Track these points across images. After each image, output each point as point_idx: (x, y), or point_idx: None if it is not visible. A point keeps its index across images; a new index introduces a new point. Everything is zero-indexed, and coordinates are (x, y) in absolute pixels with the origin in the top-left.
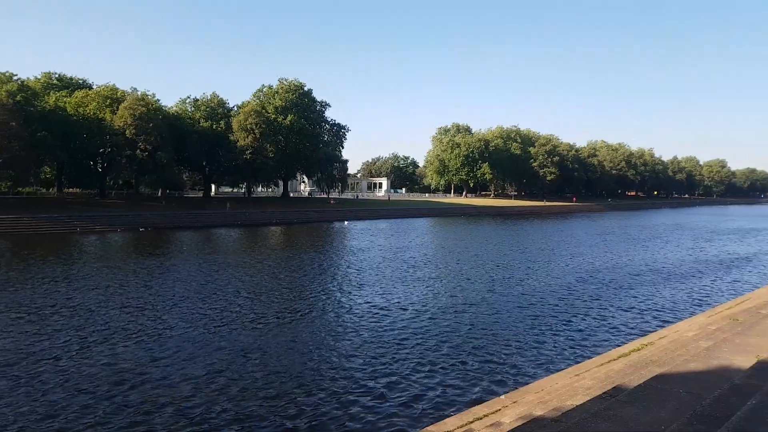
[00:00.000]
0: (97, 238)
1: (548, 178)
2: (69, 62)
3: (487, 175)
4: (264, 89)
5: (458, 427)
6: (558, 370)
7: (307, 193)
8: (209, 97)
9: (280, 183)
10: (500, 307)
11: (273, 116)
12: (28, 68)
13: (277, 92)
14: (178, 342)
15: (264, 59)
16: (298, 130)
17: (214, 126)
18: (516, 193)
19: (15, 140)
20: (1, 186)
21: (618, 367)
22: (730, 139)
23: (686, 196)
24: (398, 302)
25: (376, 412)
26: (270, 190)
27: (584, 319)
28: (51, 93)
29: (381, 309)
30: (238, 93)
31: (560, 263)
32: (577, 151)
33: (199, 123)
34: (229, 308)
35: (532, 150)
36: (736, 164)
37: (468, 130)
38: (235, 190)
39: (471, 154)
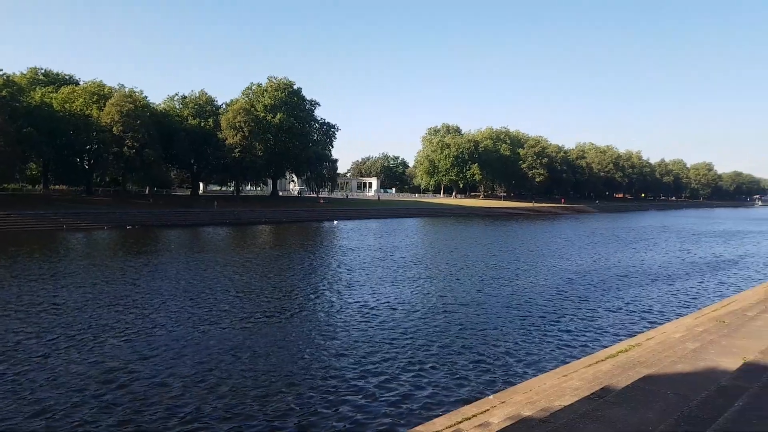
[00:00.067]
0: (84, 236)
1: (537, 179)
2: (54, 58)
3: (476, 176)
4: (253, 87)
5: (447, 427)
6: (546, 371)
7: (296, 193)
8: (197, 95)
9: (269, 182)
10: (489, 308)
11: (262, 114)
12: (14, 63)
13: (266, 90)
14: (167, 341)
15: (251, 58)
16: (288, 129)
17: (203, 124)
18: (505, 194)
19: (0, 136)
20: None
21: (606, 368)
22: (717, 143)
23: (673, 198)
24: (388, 302)
25: (365, 411)
26: (259, 188)
27: (572, 320)
28: (37, 88)
29: (371, 309)
30: (226, 91)
31: (549, 264)
32: (565, 152)
33: (188, 120)
34: (217, 307)
35: (522, 151)
36: (723, 167)
37: (458, 130)
38: (224, 188)
39: (461, 155)
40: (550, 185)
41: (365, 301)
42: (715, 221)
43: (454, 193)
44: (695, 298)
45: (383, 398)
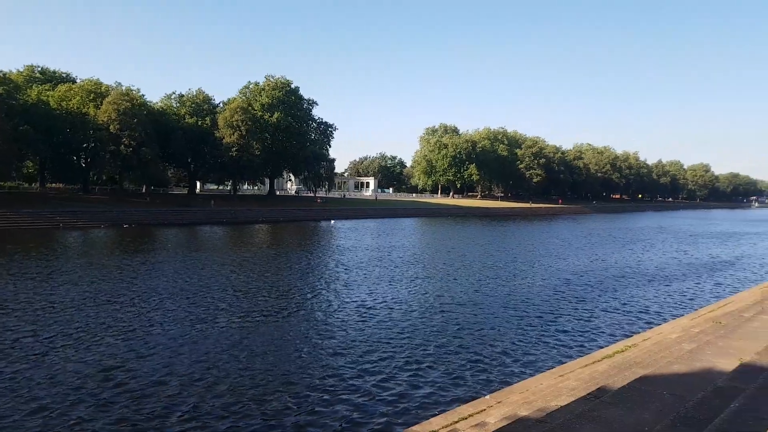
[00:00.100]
0: (81, 234)
1: (534, 180)
2: (54, 58)
3: (474, 176)
4: (250, 86)
5: (443, 427)
6: (543, 371)
7: (293, 192)
8: (195, 93)
9: (267, 181)
10: (486, 308)
11: (259, 113)
12: (12, 63)
13: (263, 89)
14: (164, 339)
15: (249, 57)
16: (285, 128)
17: (200, 122)
18: (502, 195)
19: None
20: None
21: (602, 369)
22: (717, 143)
23: (670, 199)
24: (385, 301)
25: (362, 410)
26: (256, 188)
27: (569, 320)
28: (33, 86)
29: (368, 308)
30: (224, 90)
31: (546, 264)
32: (563, 153)
33: (185, 119)
34: (215, 306)
35: (519, 152)
36: (723, 168)
37: (455, 130)
38: (221, 187)
39: (458, 155)
40: (548, 186)
41: (363, 301)
42: (712, 222)
43: (451, 194)
44: (692, 299)
45: (380, 397)
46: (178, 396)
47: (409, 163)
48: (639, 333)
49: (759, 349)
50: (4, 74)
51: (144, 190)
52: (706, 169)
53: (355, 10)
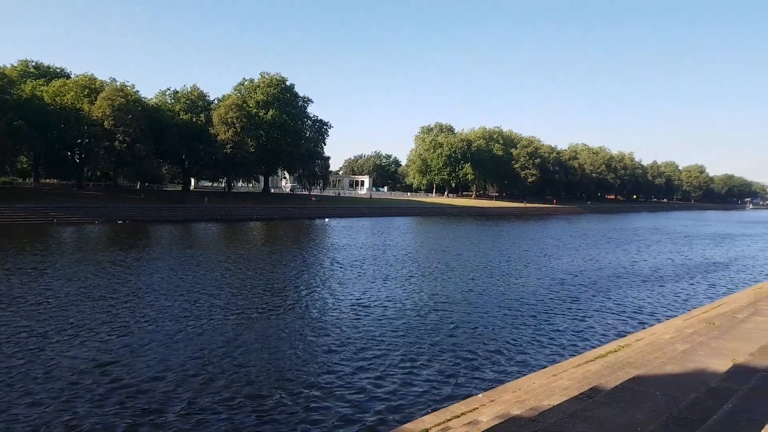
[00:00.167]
0: (75, 230)
1: (529, 179)
2: (53, 57)
3: (468, 176)
4: (245, 83)
5: (435, 425)
6: (536, 370)
7: (288, 190)
8: (189, 90)
9: (261, 178)
10: (480, 307)
11: (254, 110)
12: (5, 57)
13: (258, 86)
14: (160, 335)
15: (245, 55)
16: (280, 125)
17: (194, 119)
18: (497, 194)
19: None
20: None
21: (595, 368)
22: (717, 143)
23: (665, 200)
24: (379, 300)
25: (355, 407)
26: (251, 185)
27: (562, 320)
28: (28, 81)
29: (362, 306)
30: (219, 87)
31: (540, 264)
32: (558, 153)
33: (179, 115)
34: (210, 302)
35: (514, 151)
36: (723, 169)
37: (451, 129)
38: (215, 184)
39: (453, 154)
40: (542, 186)
41: (357, 299)
42: (706, 223)
43: (446, 193)
44: (685, 300)
45: (374, 395)
46: (173, 392)
47: (404, 162)
48: (632, 333)
49: (752, 351)
50: None
51: (138, 186)
52: (701, 170)
53: (350, 9)
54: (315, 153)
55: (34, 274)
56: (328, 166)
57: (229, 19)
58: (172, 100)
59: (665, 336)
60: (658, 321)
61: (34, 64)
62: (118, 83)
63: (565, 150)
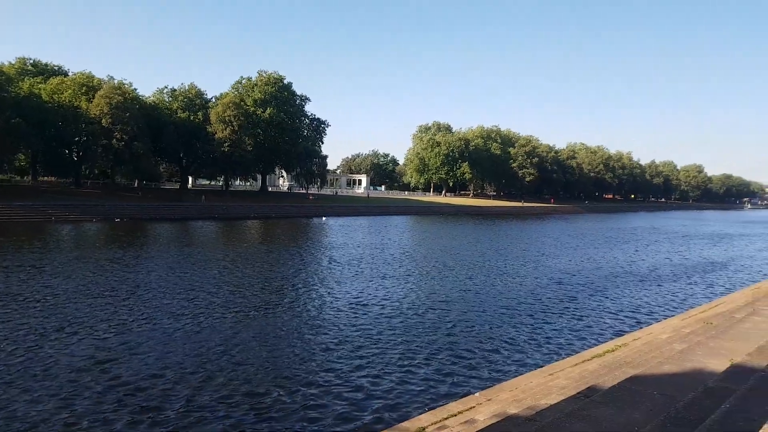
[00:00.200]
0: (73, 228)
1: (527, 179)
2: (53, 57)
3: (466, 175)
4: (243, 81)
5: (432, 424)
6: (533, 369)
7: (286, 188)
8: (187, 88)
9: (259, 177)
10: (477, 306)
11: (252, 109)
12: (4, 56)
13: (256, 84)
14: (158, 333)
15: (243, 54)
16: (277, 124)
17: (192, 117)
18: (495, 194)
19: None
20: None
21: (592, 368)
22: (717, 144)
23: (663, 200)
24: (376, 299)
25: (351, 406)
26: (248, 183)
27: (560, 319)
28: (25, 79)
29: (359, 305)
30: (217, 85)
31: (537, 264)
32: (556, 152)
33: (177, 114)
34: (208, 300)
35: (512, 150)
36: (723, 169)
37: (449, 128)
38: (213, 182)
39: (451, 153)
40: (540, 185)
41: (354, 297)
42: (705, 223)
43: (443, 192)
44: (683, 300)
45: (370, 393)
46: (172, 389)
47: (401, 161)
48: (630, 333)
49: (750, 350)
50: None
51: (136, 184)
52: (699, 170)
53: (350, 9)
54: (312, 151)
55: (33, 272)
56: (326, 165)
57: (229, 19)
58: (170, 99)
59: (663, 336)
60: (656, 321)
61: (31, 61)
62: (115, 81)
63: (563, 149)
